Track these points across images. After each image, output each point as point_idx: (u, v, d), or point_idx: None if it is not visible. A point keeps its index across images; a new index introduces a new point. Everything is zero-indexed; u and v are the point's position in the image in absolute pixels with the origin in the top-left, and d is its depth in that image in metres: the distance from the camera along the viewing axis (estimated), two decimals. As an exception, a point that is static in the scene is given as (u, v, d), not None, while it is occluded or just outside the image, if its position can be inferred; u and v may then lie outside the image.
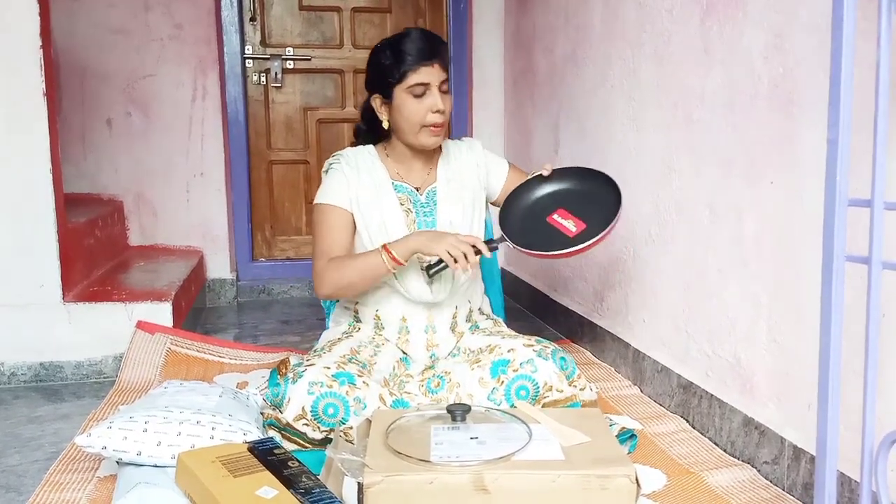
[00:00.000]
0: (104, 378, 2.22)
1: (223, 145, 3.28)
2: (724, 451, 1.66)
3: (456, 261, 1.59)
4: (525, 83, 3.14)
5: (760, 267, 1.57)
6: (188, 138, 3.22)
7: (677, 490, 1.46)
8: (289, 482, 1.25)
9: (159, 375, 2.15)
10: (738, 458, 1.61)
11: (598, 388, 1.91)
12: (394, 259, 1.64)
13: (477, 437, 1.34)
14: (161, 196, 3.22)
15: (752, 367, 1.60)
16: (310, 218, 3.47)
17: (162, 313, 2.31)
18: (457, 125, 3.53)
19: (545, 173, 1.74)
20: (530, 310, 3.05)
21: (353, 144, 1.92)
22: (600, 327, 2.35)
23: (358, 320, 1.87)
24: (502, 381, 1.63)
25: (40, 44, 2.13)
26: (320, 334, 1.96)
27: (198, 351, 2.30)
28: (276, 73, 3.41)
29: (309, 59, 3.45)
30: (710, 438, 1.72)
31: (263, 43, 3.41)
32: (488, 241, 1.65)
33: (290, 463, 1.32)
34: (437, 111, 1.71)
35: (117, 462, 1.46)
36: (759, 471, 1.54)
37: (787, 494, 1.45)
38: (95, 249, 2.66)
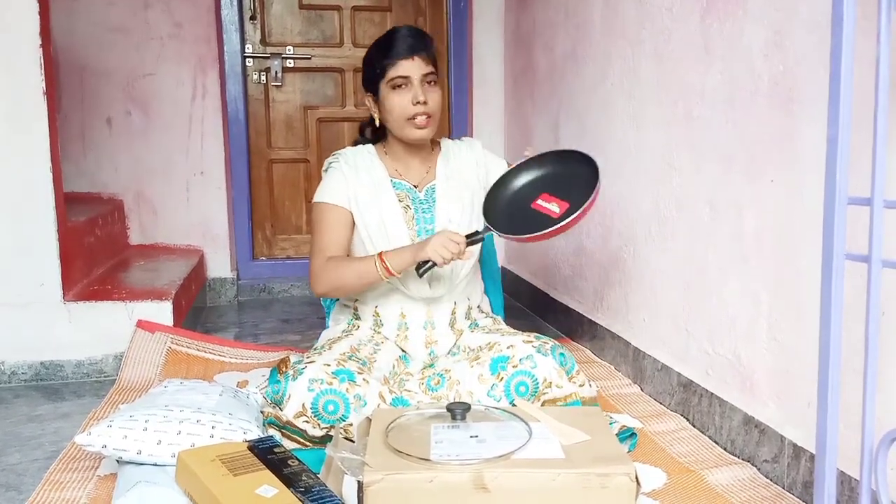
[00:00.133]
0: (104, 377, 2.22)
1: (223, 144, 3.28)
2: (725, 449, 1.66)
3: (445, 259, 1.60)
4: (525, 81, 3.14)
5: (760, 265, 1.57)
6: (188, 137, 3.22)
7: (677, 488, 1.46)
8: (289, 481, 1.25)
9: (160, 374, 2.15)
10: (738, 457, 1.61)
11: (599, 386, 1.91)
12: (388, 270, 1.66)
13: (477, 436, 1.34)
14: (161, 195, 3.22)
15: (752, 366, 1.60)
16: (310, 217, 3.46)
17: (162, 312, 2.31)
18: (457, 123, 3.53)
19: (529, 153, 1.74)
20: (530, 308, 3.05)
21: (355, 144, 1.93)
22: (600, 326, 2.35)
23: (357, 318, 1.87)
24: (502, 378, 1.63)
25: (40, 42, 2.13)
26: (321, 333, 1.96)
27: (198, 350, 2.30)
28: (276, 72, 3.40)
29: (309, 58, 3.45)
30: (710, 437, 1.72)
31: (263, 42, 3.41)
32: (473, 234, 1.64)
33: (289, 461, 1.32)
34: (418, 103, 1.72)
35: (117, 461, 1.46)
36: (759, 469, 1.54)
37: (787, 493, 1.45)
38: (95, 248, 2.66)
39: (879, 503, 1.00)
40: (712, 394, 1.72)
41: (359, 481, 1.23)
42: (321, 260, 1.76)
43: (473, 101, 3.51)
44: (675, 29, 1.88)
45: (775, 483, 1.49)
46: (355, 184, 1.81)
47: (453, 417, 1.39)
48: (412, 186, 1.85)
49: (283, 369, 1.62)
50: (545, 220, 1.61)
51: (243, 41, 3.35)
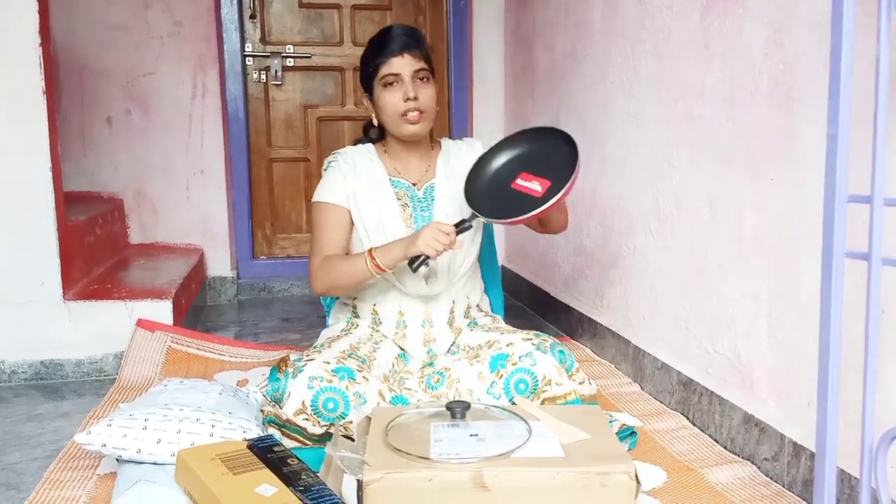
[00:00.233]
0: (105, 376, 2.22)
1: (223, 143, 3.28)
2: (725, 447, 1.66)
3: (437, 251, 1.60)
4: (525, 79, 3.14)
5: (760, 263, 1.57)
6: (188, 136, 3.22)
7: (677, 487, 1.46)
8: (288, 480, 1.25)
9: (160, 373, 2.15)
10: (738, 455, 1.61)
11: (599, 385, 1.91)
12: (378, 267, 1.66)
13: (476, 435, 1.33)
14: (161, 194, 3.22)
15: (752, 364, 1.60)
16: (310, 216, 3.47)
17: (162, 311, 2.31)
18: (457, 122, 3.53)
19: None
20: (531, 307, 3.05)
21: (355, 143, 1.93)
22: (600, 324, 2.35)
23: (356, 316, 1.87)
24: (501, 375, 1.63)
25: (39, 41, 2.13)
26: (321, 332, 1.96)
27: (198, 349, 2.30)
28: (276, 71, 3.40)
29: (309, 57, 3.45)
30: (710, 435, 1.72)
31: (263, 40, 3.40)
32: (460, 223, 1.64)
33: (289, 460, 1.32)
34: (409, 99, 1.73)
35: (117, 460, 1.46)
36: (759, 467, 1.54)
37: (787, 491, 1.45)
38: (95, 247, 2.66)
39: (879, 501, 1.00)
40: (712, 392, 1.72)
41: (358, 480, 1.23)
42: (318, 260, 1.77)
43: (473, 100, 3.51)
44: (675, 27, 1.88)
45: (775, 481, 1.49)
46: (354, 182, 1.81)
47: (453, 416, 1.39)
48: (411, 185, 1.85)
49: (283, 368, 1.63)
50: (528, 200, 1.61)
51: (243, 40, 3.35)
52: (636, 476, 1.25)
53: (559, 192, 1.56)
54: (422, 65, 1.76)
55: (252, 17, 3.37)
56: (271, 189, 3.50)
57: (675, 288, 1.92)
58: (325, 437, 1.56)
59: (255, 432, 1.48)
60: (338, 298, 1.96)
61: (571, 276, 2.63)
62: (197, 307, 2.92)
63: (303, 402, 1.54)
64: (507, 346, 1.67)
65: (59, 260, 2.20)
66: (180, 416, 1.46)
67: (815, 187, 1.35)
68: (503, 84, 3.48)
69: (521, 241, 3.22)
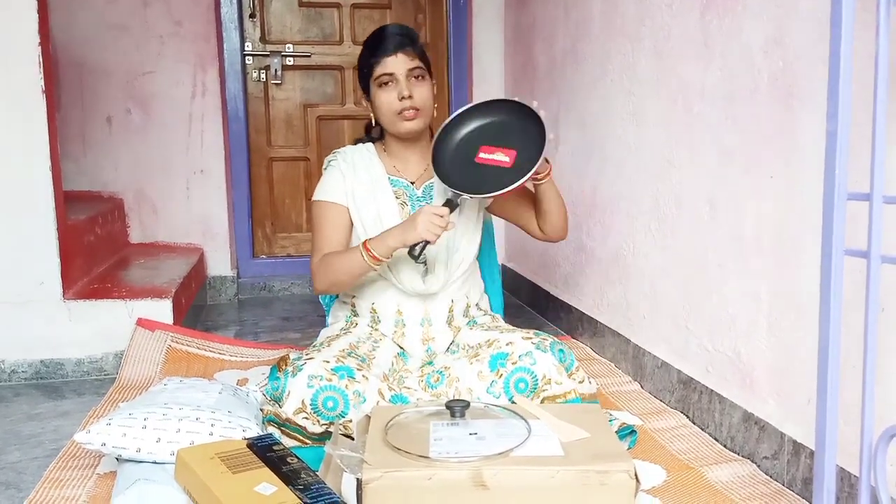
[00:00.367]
0: (105, 375, 2.23)
1: (223, 142, 3.28)
2: (724, 446, 1.66)
3: (437, 234, 1.60)
4: (525, 78, 3.13)
5: (760, 261, 1.56)
6: (188, 135, 3.22)
7: (677, 485, 1.46)
8: (288, 478, 1.25)
9: (160, 372, 2.15)
10: (738, 454, 1.61)
11: (599, 383, 1.91)
12: (374, 257, 1.65)
13: (476, 433, 1.33)
14: (161, 193, 3.22)
15: (751, 362, 1.60)
16: (310, 215, 3.47)
17: (162, 310, 2.31)
18: (457, 121, 3.52)
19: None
20: (531, 306, 3.05)
21: (356, 142, 1.93)
22: (600, 323, 2.35)
23: (355, 314, 1.87)
24: (501, 374, 1.63)
25: (39, 40, 2.13)
26: (320, 331, 1.96)
27: (198, 348, 2.30)
28: (275, 70, 3.40)
29: (309, 56, 3.45)
30: (710, 434, 1.72)
31: (263, 40, 3.40)
32: (447, 202, 1.63)
33: (289, 459, 1.32)
34: (403, 98, 1.73)
35: (117, 459, 1.47)
36: (758, 466, 1.54)
37: (787, 489, 1.45)
38: (95, 247, 2.66)
39: (879, 499, 0.99)
40: (712, 391, 1.72)
41: (358, 479, 1.23)
42: (319, 258, 1.77)
43: (473, 99, 3.50)
44: (674, 25, 1.87)
45: (775, 480, 1.49)
46: (353, 181, 1.81)
47: (452, 415, 1.39)
48: (409, 183, 1.85)
49: (283, 366, 1.63)
50: (502, 172, 1.61)
51: (243, 39, 3.35)
52: (636, 474, 1.25)
53: (537, 155, 1.56)
54: (416, 63, 1.76)
55: (252, 16, 3.37)
56: (271, 188, 3.50)
57: (675, 286, 1.91)
58: (325, 436, 1.56)
59: (254, 431, 1.48)
60: (337, 297, 1.96)
61: (571, 274, 2.63)
62: (197, 306, 2.92)
63: (302, 401, 1.55)
64: (507, 345, 1.66)
65: (59, 259, 2.20)
66: (180, 415, 1.46)
67: (815, 184, 1.35)
68: (503, 82, 3.47)
69: (520, 239, 3.21)
